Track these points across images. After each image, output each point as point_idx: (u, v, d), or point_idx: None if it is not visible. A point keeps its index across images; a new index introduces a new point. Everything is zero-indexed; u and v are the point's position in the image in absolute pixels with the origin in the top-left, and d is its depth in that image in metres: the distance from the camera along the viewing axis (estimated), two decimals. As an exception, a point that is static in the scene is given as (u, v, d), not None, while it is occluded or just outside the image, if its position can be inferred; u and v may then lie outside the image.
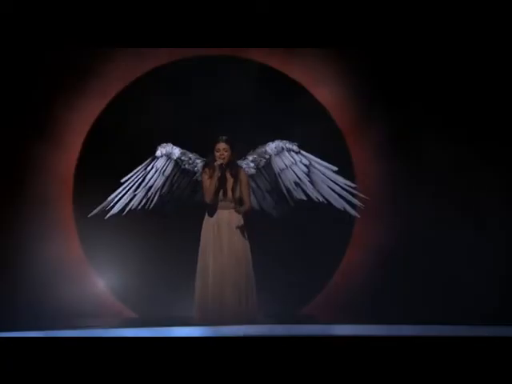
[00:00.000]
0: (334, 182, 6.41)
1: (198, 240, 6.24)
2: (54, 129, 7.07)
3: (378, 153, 7.19)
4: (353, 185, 6.43)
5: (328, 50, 7.05)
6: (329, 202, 6.37)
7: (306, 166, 6.45)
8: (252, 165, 6.62)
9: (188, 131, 6.93)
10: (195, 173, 6.52)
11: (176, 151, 6.47)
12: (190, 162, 6.54)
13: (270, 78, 7.15)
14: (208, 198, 6.26)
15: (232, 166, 6.31)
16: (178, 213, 6.68)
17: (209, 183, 6.26)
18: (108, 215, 6.33)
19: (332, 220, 6.92)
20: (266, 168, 6.59)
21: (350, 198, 6.39)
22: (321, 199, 6.38)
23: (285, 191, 6.50)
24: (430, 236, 6.96)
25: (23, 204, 6.98)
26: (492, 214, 6.92)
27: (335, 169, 6.41)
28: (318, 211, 6.79)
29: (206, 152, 6.35)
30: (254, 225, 6.36)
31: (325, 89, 7.19)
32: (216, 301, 6.10)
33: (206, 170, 6.32)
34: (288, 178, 6.48)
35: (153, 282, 6.96)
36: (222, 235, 6.21)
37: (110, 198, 6.37)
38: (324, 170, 6.44)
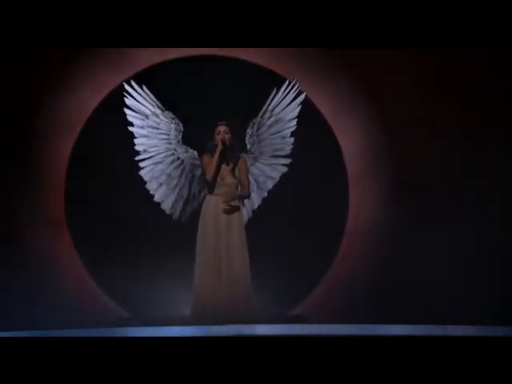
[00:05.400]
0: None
1: (195, 234, 6.26)
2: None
3: (371, 154, 7.16)
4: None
5: (325, 50, 7.03)
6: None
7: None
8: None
9: (185, 132, 6.94)
10: (185, 167, 6.69)
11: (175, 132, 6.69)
12: (183, 153, 6.70)
13: (267, 78, 7.12)
14: (209, 174, 6.32)
15: (232, 151, 6.38)
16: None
17: (209, 161, 6.33)
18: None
19: (325, 219, 6.99)
20: (258, 159, 6.90)
21: None
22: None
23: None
24: (427, 235, 6.90)
25: (17, 205, 6.93)
26: (489, 215, 6.89)
27: None
28: (309, 208, 6.91)
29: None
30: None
31: (320, 89, 7.15)
32: (214, 293, 6.12)
33: (207, 153, 6.39)
34: (278, 142, 6.94)
35: (147, 281, 6.91)
36: (220, 225, 6.24)
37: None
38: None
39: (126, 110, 6.89)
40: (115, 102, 6.97)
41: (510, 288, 6.65)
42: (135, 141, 6.90)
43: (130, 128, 6.90)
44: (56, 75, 6.98)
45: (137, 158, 6.90)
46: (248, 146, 6.90)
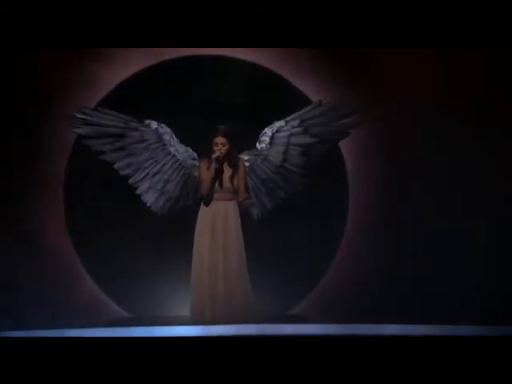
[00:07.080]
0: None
1: (193, 236, 6.26)
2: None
3: (372, 154, 7.15)
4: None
5: (324, 50, 7.02)
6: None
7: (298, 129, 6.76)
8: (247, 164, 6.68)
9: (183, 132, 6.92)
10: (183, 167, 6.71)
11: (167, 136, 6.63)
12: (184, 153, 6.67)
13: (265, 78, 7.11)
14: (204, 189, 6.30)
15: (230, 157, 6.31)
16: (172, 214, 6.81)
17: (206, 174, 6.27)
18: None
19: (325, 220, 6.99)
20: (264, 161, 6.82)
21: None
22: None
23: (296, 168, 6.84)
24: (427, 236, 6.92)
25: (17, 205, 6.95)
26: (488, 215, 6.90)
27: None
28: (309, 208, 6.91)
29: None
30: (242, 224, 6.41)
31: (320, 89, 7.15)
32: (212, 294, 6.12)
33: (205, 161, 6.33)
34: (293, 155, 6.81)
35: (146, 281, 6.92)
36: (217, 227, 6.22)
37: None
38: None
39: (88, 141, 6.76)
40: (115, 102, 6.98)
41: (510, 288, 6.67)
42: (116, 166, 6.79)
43: (102, 156, 6.79)
44: (56, 75, 6.99)
45: (131, 182, 6.83)
46: (256, 144, 6.86)
